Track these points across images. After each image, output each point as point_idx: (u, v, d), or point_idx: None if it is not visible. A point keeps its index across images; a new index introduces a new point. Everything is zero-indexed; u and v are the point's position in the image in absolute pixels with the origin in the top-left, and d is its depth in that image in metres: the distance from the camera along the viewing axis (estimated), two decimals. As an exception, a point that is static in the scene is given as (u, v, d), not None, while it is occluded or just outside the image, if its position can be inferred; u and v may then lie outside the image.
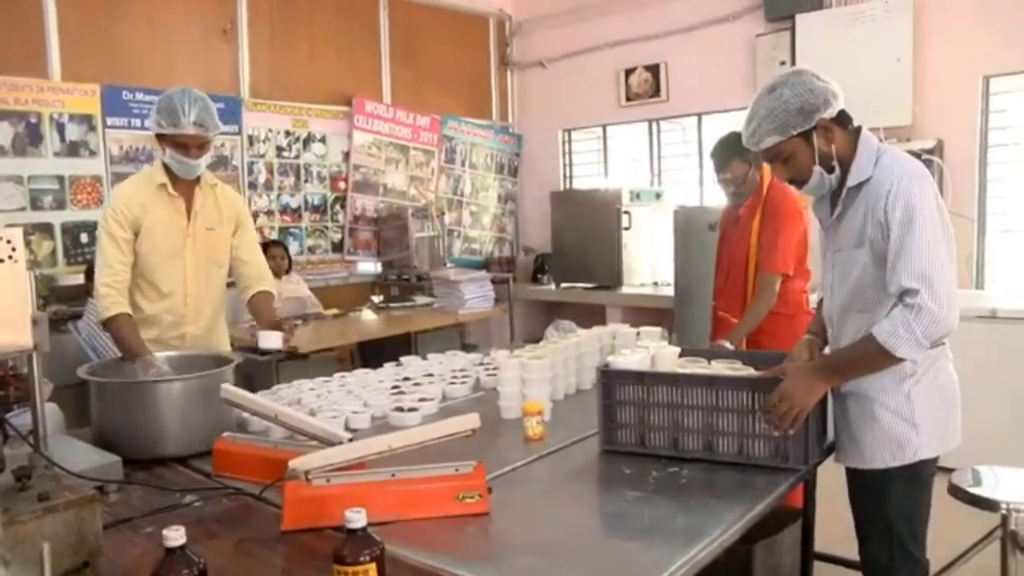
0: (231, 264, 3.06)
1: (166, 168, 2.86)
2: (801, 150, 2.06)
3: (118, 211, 2.80)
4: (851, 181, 2.06)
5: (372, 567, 1.31)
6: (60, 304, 4.50)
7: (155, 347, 2.79)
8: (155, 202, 2.85)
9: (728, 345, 2.99)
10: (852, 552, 2.79)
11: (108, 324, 2.75)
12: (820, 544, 2.98)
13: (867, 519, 2.20)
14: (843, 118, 2.07)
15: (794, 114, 2.02)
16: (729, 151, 3.30)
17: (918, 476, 2.12)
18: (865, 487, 2.18)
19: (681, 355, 2.40)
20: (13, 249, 1.49)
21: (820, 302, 2.38)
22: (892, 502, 2.12)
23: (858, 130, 2.10)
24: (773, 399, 1.98)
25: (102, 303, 2.75)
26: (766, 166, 3.27)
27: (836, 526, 2.85)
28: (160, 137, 2.79)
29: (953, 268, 1.97)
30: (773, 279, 3.23)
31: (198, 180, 2.91)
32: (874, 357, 1.96)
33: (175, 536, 1.27)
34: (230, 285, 3.13)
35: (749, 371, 2.18)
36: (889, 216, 1.96)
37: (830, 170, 2.08)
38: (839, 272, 2.17)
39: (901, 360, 1.94)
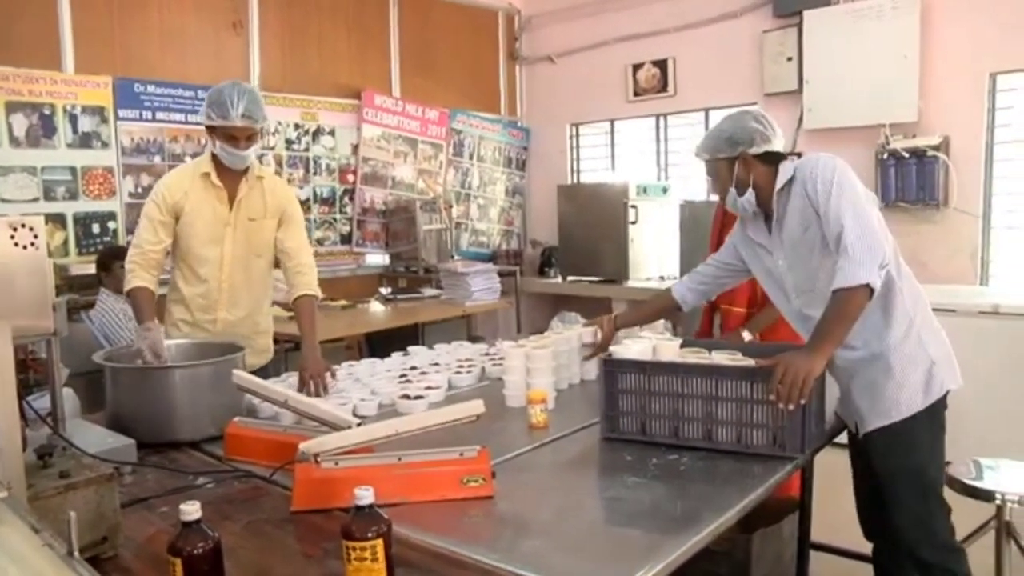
0: (277, 257, 3.10)
1: (214, 158, 2.92)
2: (723, 171, 2.40)
3: (159, 195, 2.91)
4: (778, 184, 2.32)
5: (379, 543, 1.36)
6: (72, 293, 4.56)
7: (189, 328, 2.92)
8: (198, 190, 2.92)
9: (747, 335, 3.07)
10: (848, 542, 2.85)
11: (128, 296, 2.87)
12: (817, 534, 3.03)
13: (899, 475, 2.29)
14: (770, 157, 2.34)
15: (723, 141, 2.37)
16: None
17: (938, 415, 2.29)
18: (895, 442, 2.28)
19: (682, 346, 2.44)
20: (35, 236, 1.54)
21: (667, 289, 2.78)
22: (923, 449, 2.27)
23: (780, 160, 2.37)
24: (778, 372, 2.02)
25: (126, 278, 2.88)
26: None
27: (834, 516, 2.89)
28: (211, 129, 2.85)
29: (877, 214, 2.20)
30: None
31: (246, 171, 2.96)
32: (848, 303, 2.09)
33: (191, 511, 1.32)
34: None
35: (748, 362, 2.23)
36: (820, 187, 2.20)
37: (741, 193, 2.38)
38: (795, 264, 2.35)
39: (869, 289, 2.06)
